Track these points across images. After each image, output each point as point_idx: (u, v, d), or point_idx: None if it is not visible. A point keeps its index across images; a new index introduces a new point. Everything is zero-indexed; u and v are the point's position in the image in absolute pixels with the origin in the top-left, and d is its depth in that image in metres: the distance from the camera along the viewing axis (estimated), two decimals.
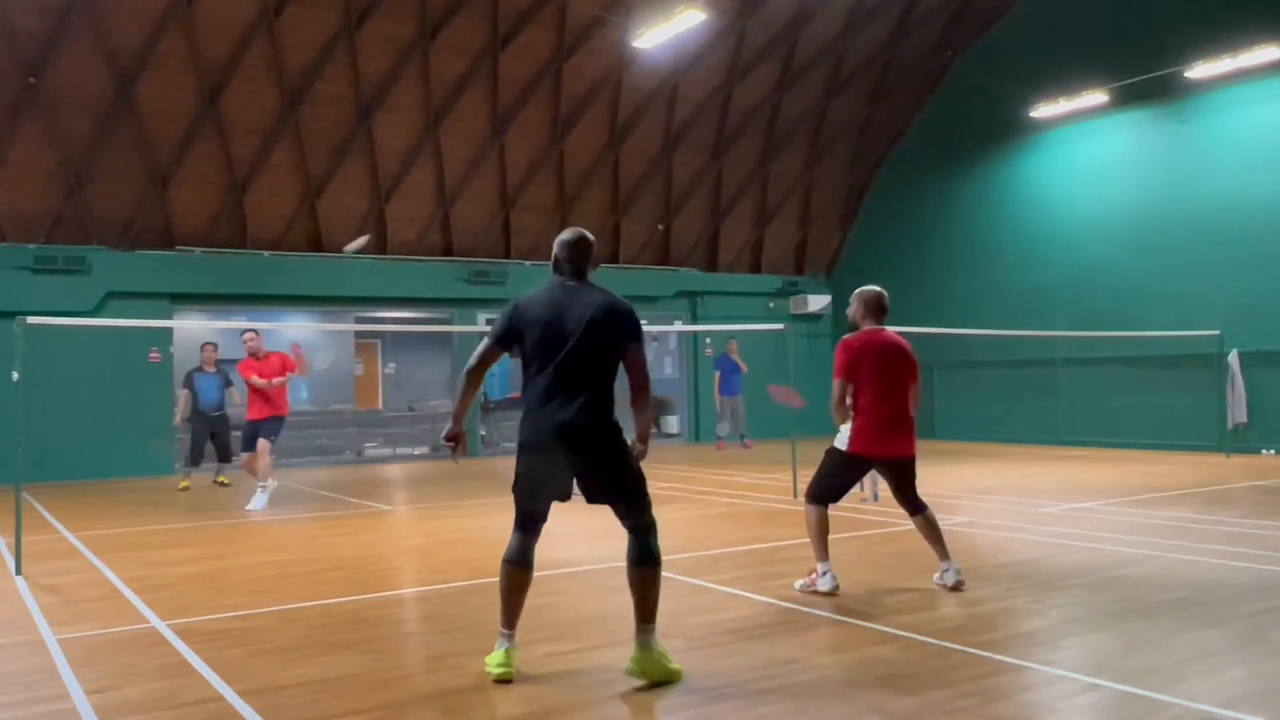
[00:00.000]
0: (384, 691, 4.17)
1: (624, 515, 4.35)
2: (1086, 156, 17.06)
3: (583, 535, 7.55)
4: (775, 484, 11.74)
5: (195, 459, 12.98)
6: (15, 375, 7.19)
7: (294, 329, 19.79)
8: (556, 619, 5.34)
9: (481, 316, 18.45)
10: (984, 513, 9.05)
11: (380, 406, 24.68)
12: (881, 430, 5.84)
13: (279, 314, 17.87)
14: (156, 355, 15.53)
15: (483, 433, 19.02)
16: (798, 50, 18.25)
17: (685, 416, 20.72)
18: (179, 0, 13.74)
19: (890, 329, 6.04)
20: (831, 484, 5.99)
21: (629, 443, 4.38)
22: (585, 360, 4.24)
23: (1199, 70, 14.62)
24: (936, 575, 5.97)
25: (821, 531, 5.89)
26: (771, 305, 20.86)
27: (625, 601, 5.78)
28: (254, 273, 16.09)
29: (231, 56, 14.60)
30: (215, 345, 13.15)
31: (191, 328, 16.67)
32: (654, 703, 3.99)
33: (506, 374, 24.73)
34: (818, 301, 21.04)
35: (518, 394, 23.02)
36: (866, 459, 5.99)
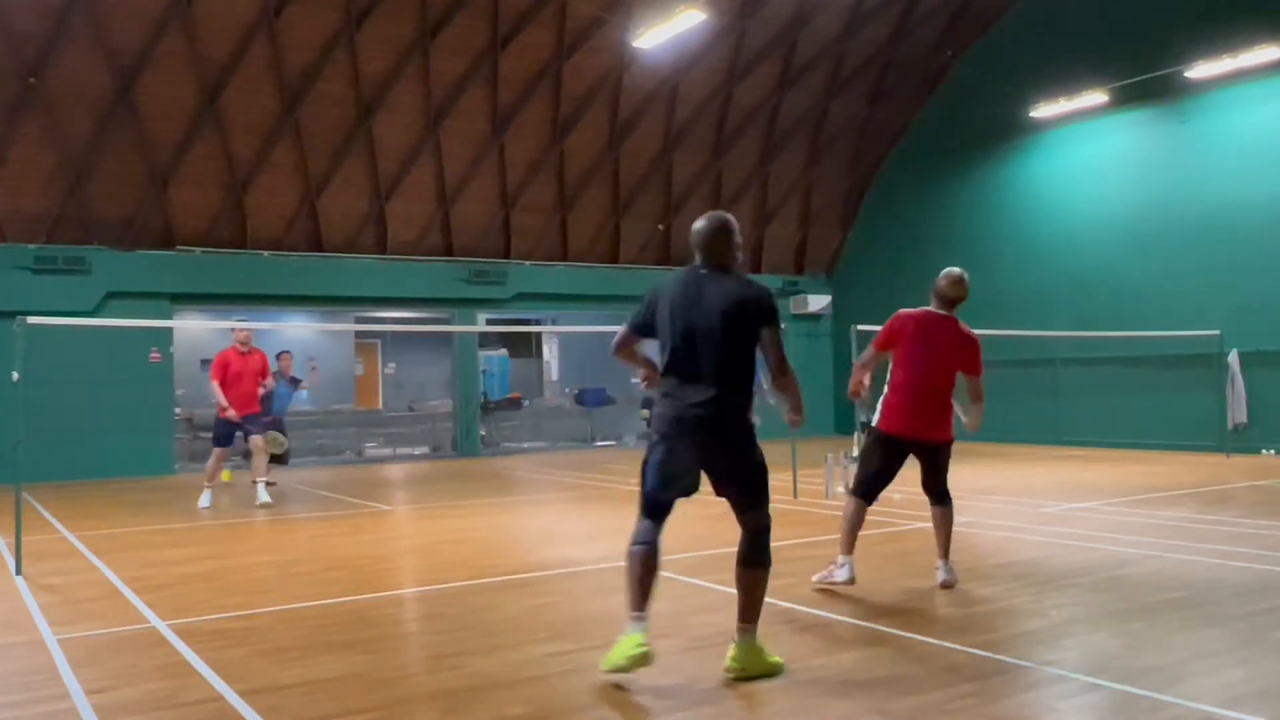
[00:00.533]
0: (384, 691, 4.16)
1: (741, 510, 4.32)
2: (1086, 156, 17.05)
3: (583, 535, 7.55)
4: (775, 484, 11.71)
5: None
6: (15, 375, 7.18)
7: (294, 329, 19.79)
8: (557, 619, 5.33)
9: (481, 316, 18.45)
10: (984, 513, 9.05)
11: (380, 406, 24.69)
12: (909, 411, 5.80)
13: (279, 314, 17.87)
14: (156, 355, 15.54)
15: (483, 433, 19.02)
16: (798, 50, 18.25)
17: None
18: (179, 0, 13.74)
19: (938, 313, 6.01)
20: (869, 477, 5.91)
21: (786, 420, 4.39)
22: (713, 351, 4.17)
23: (1199, 70, 14.62)
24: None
25: (854, 526, 5.87)
26: None
27: (624, 601, 5.79)
28: (254, 273, 16.10)
29: (231, 56, 14.60)
30: (290, 354, 13.30)
31: (191, 328, 16.69)
32: (654, 702, 3.98)
33: (506, 374, 24.73)
34: (818, 301, 21.06)
35: (518, 394, 23.12)
36: (897, 439, 5.86)
